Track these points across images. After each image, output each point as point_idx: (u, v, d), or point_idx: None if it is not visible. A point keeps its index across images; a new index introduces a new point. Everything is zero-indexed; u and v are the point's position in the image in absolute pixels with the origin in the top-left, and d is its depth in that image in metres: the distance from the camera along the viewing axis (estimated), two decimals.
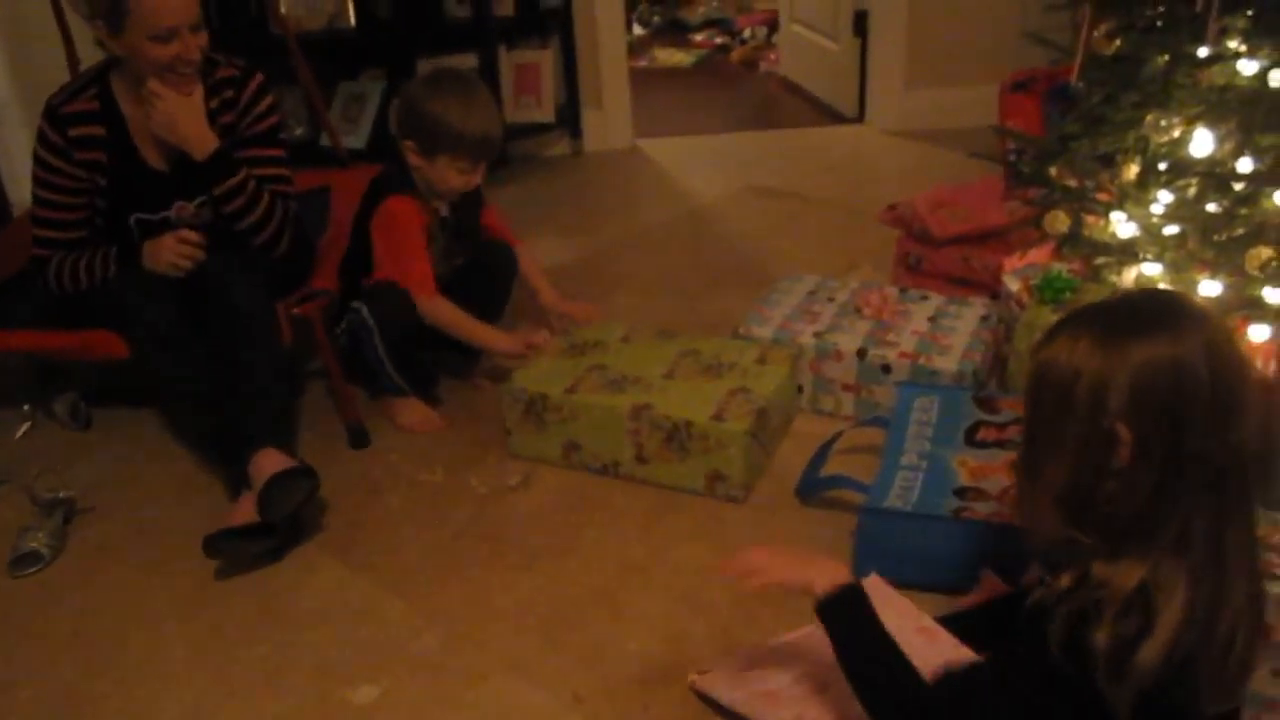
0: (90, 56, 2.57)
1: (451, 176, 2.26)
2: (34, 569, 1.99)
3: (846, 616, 1.35)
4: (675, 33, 6.34)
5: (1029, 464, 1.19)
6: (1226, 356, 1.07)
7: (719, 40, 6.09)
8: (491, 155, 2.29)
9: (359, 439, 2.33)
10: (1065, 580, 1.14)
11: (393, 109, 3.85)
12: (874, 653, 1.31)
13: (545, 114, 4.07)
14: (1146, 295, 1.17)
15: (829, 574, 1.37)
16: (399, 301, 2.27)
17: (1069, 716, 1.15)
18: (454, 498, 2.15)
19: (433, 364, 2.53)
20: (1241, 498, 1.09)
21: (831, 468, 2.07)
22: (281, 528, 1.98)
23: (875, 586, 1.61)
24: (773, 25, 5.63)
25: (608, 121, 4.28)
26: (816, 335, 2.31)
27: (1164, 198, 1.99)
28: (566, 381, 2.19)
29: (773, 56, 5.51)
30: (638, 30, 6.26)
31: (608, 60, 4.19)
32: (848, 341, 2.27)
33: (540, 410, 2.17)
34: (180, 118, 2.15)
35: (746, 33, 5.99)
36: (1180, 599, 1.06)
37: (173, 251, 2.16)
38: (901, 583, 1.76)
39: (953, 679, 1.32)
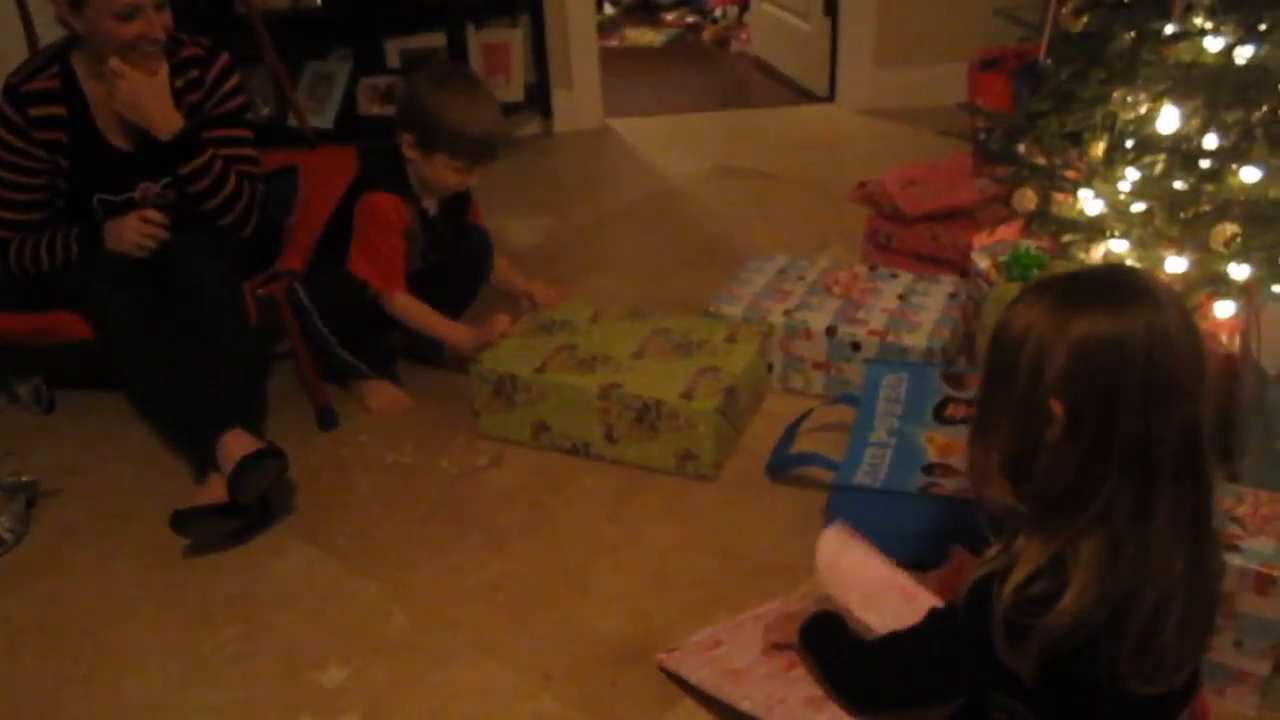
0: (49, 35, 2.52)
1: (447, 175, 2.23)
2: None
3: (818, 634, 1.44)
4: (646, 12, 6.31)
5: (978, 428, 1.20)
6: (1171, 339, 1.06)
7: (690, 19, 6.07)
8: (490, 158, 2.25)
9: (327, 420, 2.31)
10: (994, 548, 1.17)
11: (360, 88, 3.82)
12: (833, 644, 1.41)
13: (514, 94, 4.04)
14: (1108, 271, 1.17)
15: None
16: (338, 287, 2.26)
17: (978, 677, 1.19)
18: (424, 479, 2.14)
19: (399, 346, 2.51)
20: (1181, 475, 1.08)
21: (801, 445, 2.07)
22: (250, 509, 1.96)
23: (842, 539, 1.64)
24: (744, 4, 5.62)
25: (578, 101, 4.26)
26: (786, 313, 2.30)
27: (1131, 175, 2.00)
28: (535, 361, 2.18)
29: (744, 36, 5.49)
30: (608, 9, 6.23)
31: (577, 39, 4.16)
32: (817, 320, 2.27)
33: (509, 390, 2.17)
34: (144, 97, 2.12)
35: (718, 12, 5.97)
36: (1093, 572, 1.06)
37: (136, 231, 2.13)
38: None
39: (893, 636, 1.36)
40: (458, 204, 2.42)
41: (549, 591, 1.82)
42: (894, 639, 1.35)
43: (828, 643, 1.44)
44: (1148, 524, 1.07)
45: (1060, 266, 2.11)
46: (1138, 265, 1.99)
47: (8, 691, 1.68)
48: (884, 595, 1.54)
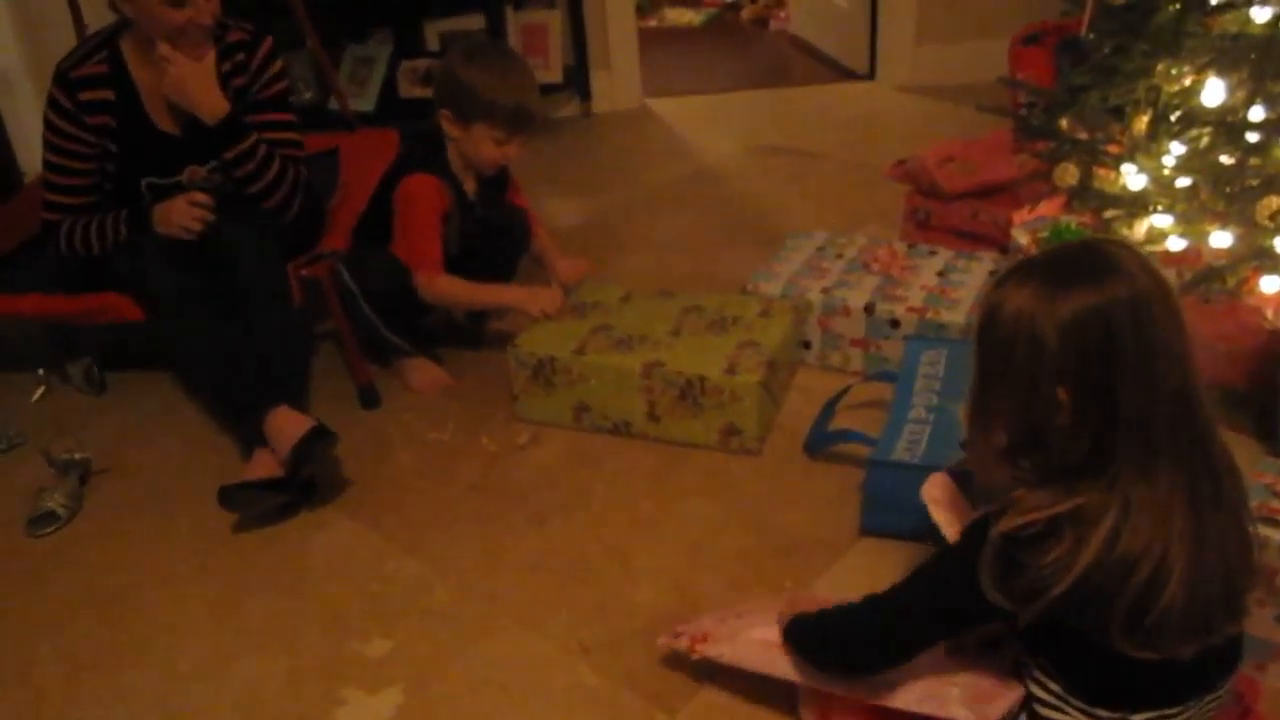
0: (97, 21, 2.57)
1: (487, 147, 2.25)
2: (51, 528, 2.02)
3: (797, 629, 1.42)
4: None
5: (977, 417, 1.22)
6: (1150, 305, 1.08)
7: None
8: (527, 127, 2.26)
9: (370, 399, 2.34)
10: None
11: (401, 71, 3.85)
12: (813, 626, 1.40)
13: (553, 75, 4.05)
14: (1082, 247, 1.17)
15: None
16: (377, 265, 2.29)
17: (967, 612, 1.22)
18: (464, 456, 2.17)
19: (438, 325, 2.54)
20: (1180, 443, 1.10)
21: (839, 422, 2.07)
22: (297, 485, 2.00)
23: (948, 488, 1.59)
24: None
25: (616, 82, 4.26)
26: (825, 291, 2.30)
27: (1175, 149, 1.98)
28: (572, 343, 2.19)
29: (783, 15, 5.46)
30: None
31: (616, 20, 4.16)
32: (856, 297, 2.27)
33: (549, 373, 2.18)
34: (191, 82, 2.16)
35: None
36: (1091, 533, 1.08)
37: (183, 214, 2.17)
38: (907, 535, 1.78)
39: (875, 595, 1.34)
40: (496, 185, 2.43)
41: (588, 566, 1.84)
42: (876, 595, 1.33)
43: (809, 625, 1.40)
44: (1149, 491, 1.09)
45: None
46: (1106, 239, 1.97)
47: (64, 659, 1.73)
48: None
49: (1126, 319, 1.07)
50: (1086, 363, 1.09)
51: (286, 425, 1.98)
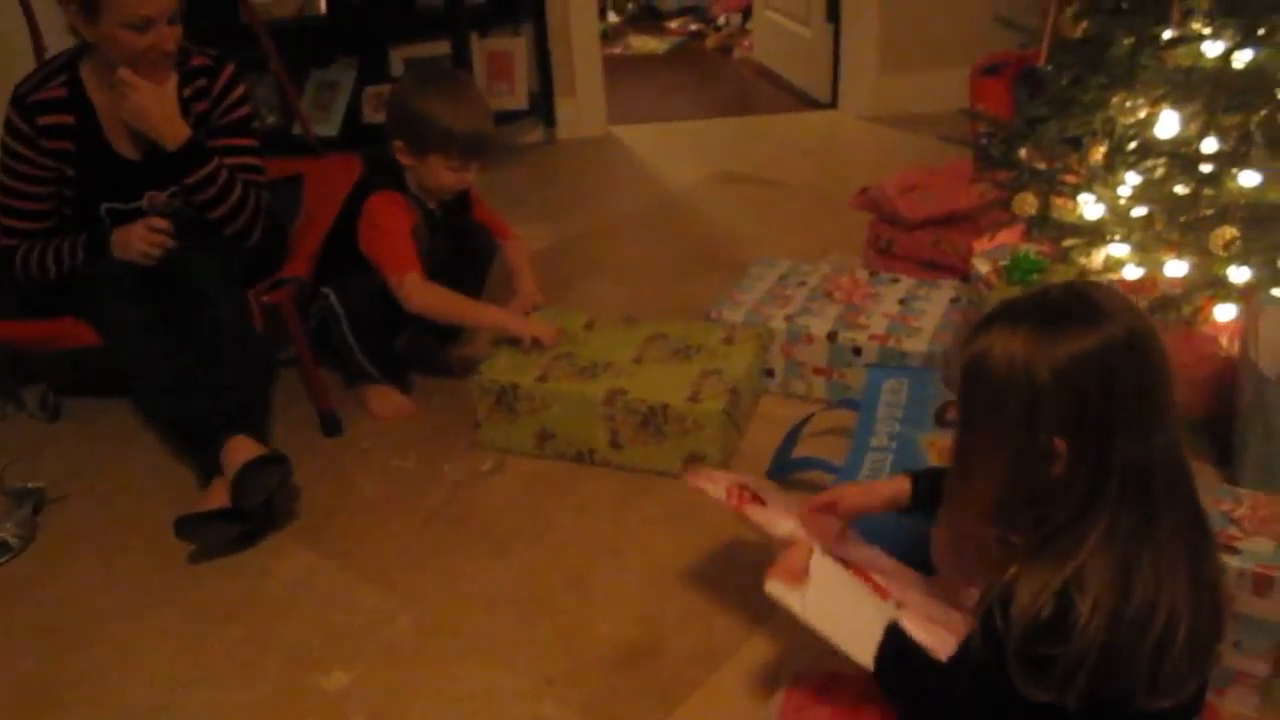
0: (56, 44, 2.55)
1: (444, 175, 2.25)
2: (3, 559, 1.98)
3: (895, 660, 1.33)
4: (649, 19, 6.33)
5: (961, 463, 1.19)
6: (1148, 350, 1.07)
7: (693, 27, 6.08)
8: (483, 153, 2.27)
9: (331, 426, 2.32)
10: (1003, 577, 1.12)
11: (365, 97, 3.84)
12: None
13: (518, 101, 4.06)
14: (1070, 291, 1.13)
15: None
16: (367, 290, 2.27)
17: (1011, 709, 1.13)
18: (426, 484, 2.15)
19: (405, 350, 2.53)
20: (1174, 492, 1.08)
21: (802, 450, 2.08)
22: (254, 514, 1.97)
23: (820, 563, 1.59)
24: (747, 11, 5.63)
25: (581, 108, 4.27)
26: (788, 319, 2.31)
27: (1131, 179, 2.01)
28: (535, 371, 2.18)
29: (747, 43, 5.51)
30: (612, 17, 6.25)
31: (581, 47, 4.18)
32: (819, 325, 2.28)
33: (511, 400, 2.17)
34: (152, 107, 2.14)
35: (721, 19, 5.98)
36: (1103, 596, 1.04)
37: (142, 240, 2.14)
38: None
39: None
40: (460, 202, 2.43)
41: (551, 596, 1.83)
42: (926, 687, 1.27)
43: (909, 674, 1.31)
44: (1151, 544, 1.06)
45: (1061, 271, 2.12)
46: (1094, 282, 1.99)
47: (14, 693, 1.69)
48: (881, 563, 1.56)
49: (1124, 361, 1.05)
50: (1085, 409, 1.06)
51: (243, 454, 1.95)
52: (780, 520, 1.50)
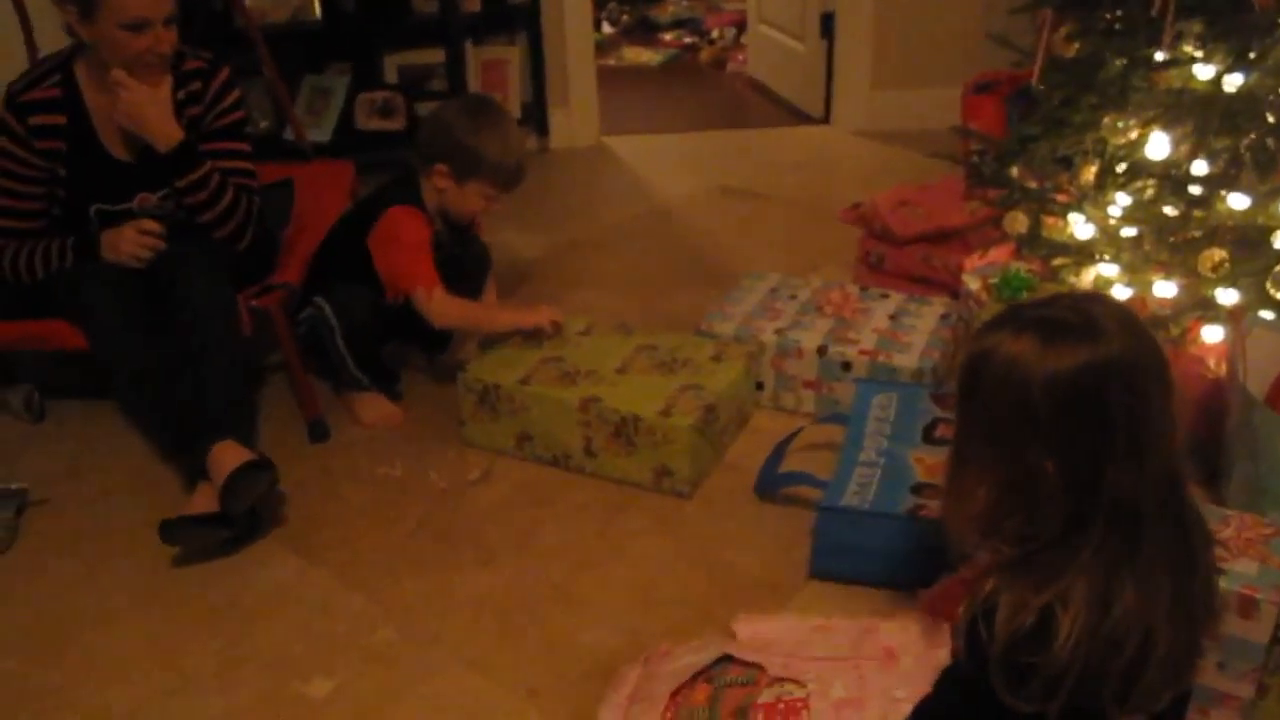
0: (48, 45, 2.54)
1: (476, 201, 2.32)
2: None
3: None
4: (644, 32, 6.34)
5: (955, 471, 1.18)
6: (1147, 379, 1.06)
7: (688, 40, 6.09)
8: (517, 185, 2.36)
9: (319, 433, 2.31)
10: (986, 586, 1.11)
11: (358, 103, 3.84)
12: None
13: (512, 111, 4.06)
14: (1078, 303, 1.11)
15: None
16: (360, 299, 2.28)
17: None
18: (413, 492, 2.15)
19: (393, 358, 2.52)
20: (1165, 519, 1.07)
21: (791, 464, 2.08)
22: (239, 520, 1.96)
23: (746, 623, 1.67)
24: (741, 26, 5.65)
25: (574, 119, 4.28)
26: (778, 332, 2.31)
27: (1121, 199, 2.01)
28: (520, 372, 2.19)
29: (741, 57, 5.52)
30: (606, 29, 6.25)
31: (575, 58, 4.19)
32: (809, 339, 2.28)
33: (493, 400, 2.18)
34: (146, 108, 2.13)
35: (715, 33, 6.00)
36: (1083, 613, 1.04)
37: (132, 242, 2.14)
38: (859, 579, 1.78)
39: (916, 710, 1.28)
40: (470, 225, 2.47)
41: (536, 606, 1.82)
42: (917, 711, 1.27)
43: None
44: (1133, 563, 1.06)
45: (1050, 289, 2.13)
46: (1123, 290, 2.01)
47: None
48: (806, 637, 1.59)
49: (1117, 384, 1.03)
50: (1075, 428, 1.05)
51: (229, 459, 1.94)
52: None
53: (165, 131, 2.15)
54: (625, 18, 6.44)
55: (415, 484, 2.17)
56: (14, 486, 2.09)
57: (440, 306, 2.27)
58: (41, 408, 2.44)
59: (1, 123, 2.16)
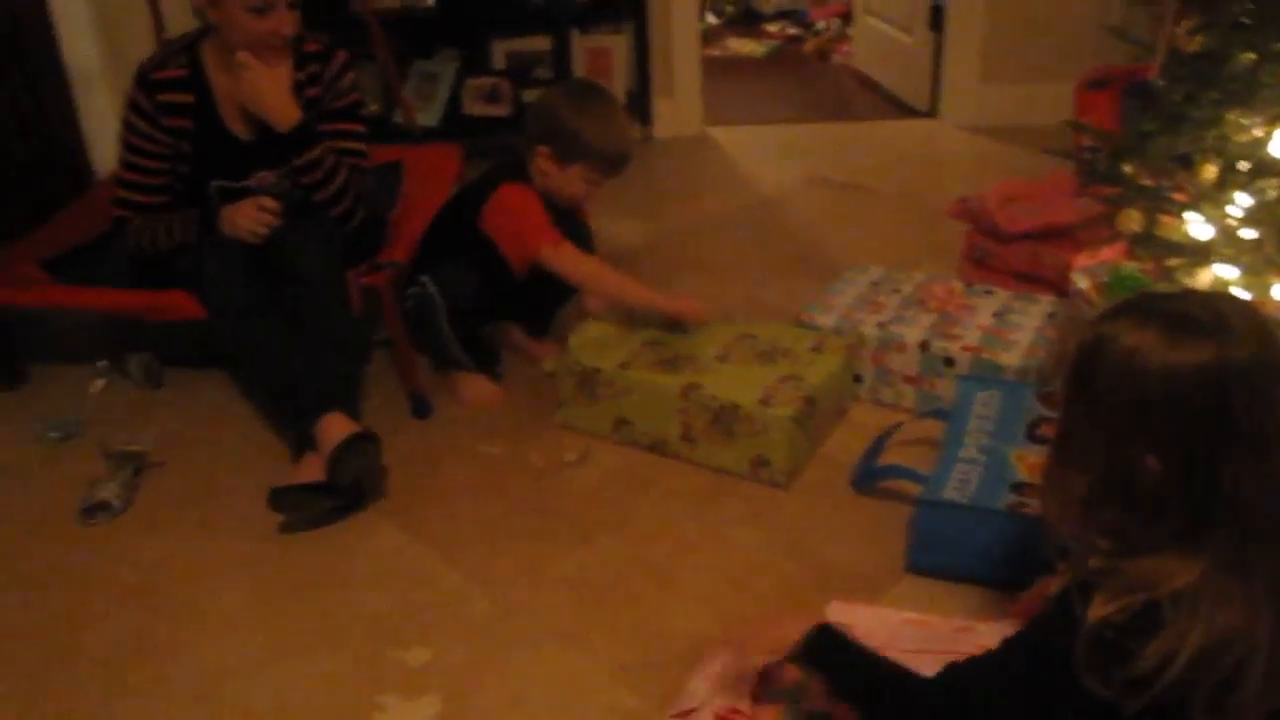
0: (176, 28, 2.64)
1: (579, 185, 2.34)
2: (105, 519, 2.05)
3: (827, 653, 1.34)
4: (749, 23, 6.32)
5: (1061, 458, 1.16)
6: (1275, 384, 1.02)
7: (792, 31, 6.06)
8: (621, 170, 2.37)
9: (422, 409, 2.37)
10: (1091, 563, 1.10)
11: (466, 88, 3.90)
12: (864, 672, 1.31)
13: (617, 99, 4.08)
14: (1209, 301, 1.07)
15: (801, 623, 1.36)
16: (466, 280, 2.32)
17: (1059, 699, 1.11)
18: (512, 471, 2.18)
19: (495, 339, 2.56)
20: (1278, 529, 1.03)
21: (889, 458, 2.06)
22: (346, 491, 2.02)
23: (840, 610, 1.66)
24: (847, 17, 5.60)
25: (678, 108, 4.29)
26: (880, 326, 2.30)
27: (1242, 200, 1.95)
28: (621, 357, 2.21)
29: (846, 49, 5.47)
30: (711, 19, 6.24)
31: (680, 47, 4.19)
32: (911, 333, 2.26)
33: (593, 384, 2.20)
34: (266, 89, 2.20)
35: (820, 24, 5.96)
36: (1185, 619, 1.02)
37: (250, 218, 2.21)
38: (955, 575, 1.77)
39: (954, 668, 1.27)
40: (574, 210, 2.49)
41: (629, 587, 1.84)
42: (954, 666, 1.25)
43: (869, 679, 1.31)
44: (1243, 579, 1.03)
45: (1162, 290, 2.07)
46: (1241, 293, 1.95)
47: (109, 647, 1.76)
48: (897, 629, 1.60)
49: (1241, 387, 1.00)
50: (1192, 429, 1.02)
51: (337, 431, 2.00)
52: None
53: (284, 112, 2.22)
54: (730, 8, 6.43)
55: (514, 463, 2.21)
56: (133, 449, 2.18)
57: (573, 258, 2.28)
58: (160, 375, 2.54)
59: (132, 100, 2.25)
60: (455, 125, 3.82)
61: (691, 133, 4.32)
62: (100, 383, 2.53)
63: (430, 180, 2.79)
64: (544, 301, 2.54)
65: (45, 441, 2.31)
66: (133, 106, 2.24)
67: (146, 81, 2.23)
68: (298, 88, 2.27)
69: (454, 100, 3.94)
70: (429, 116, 3.85)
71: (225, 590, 1.88)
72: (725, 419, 2.07)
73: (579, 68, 4.00)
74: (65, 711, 1.64)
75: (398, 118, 3.51)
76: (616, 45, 4.10)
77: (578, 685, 1.64)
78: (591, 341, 2.28)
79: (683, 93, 4.28)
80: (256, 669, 1.70)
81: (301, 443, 2.08)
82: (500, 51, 4.07)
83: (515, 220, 2.30)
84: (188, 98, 2.25)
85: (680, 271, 3.05)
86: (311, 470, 2.02)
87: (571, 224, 2.48)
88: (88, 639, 1.78)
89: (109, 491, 2.08)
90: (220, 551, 1.98)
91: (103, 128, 3.16)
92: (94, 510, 2.06)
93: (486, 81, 3.94)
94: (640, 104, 4.21)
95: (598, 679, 1.64)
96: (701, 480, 2.11)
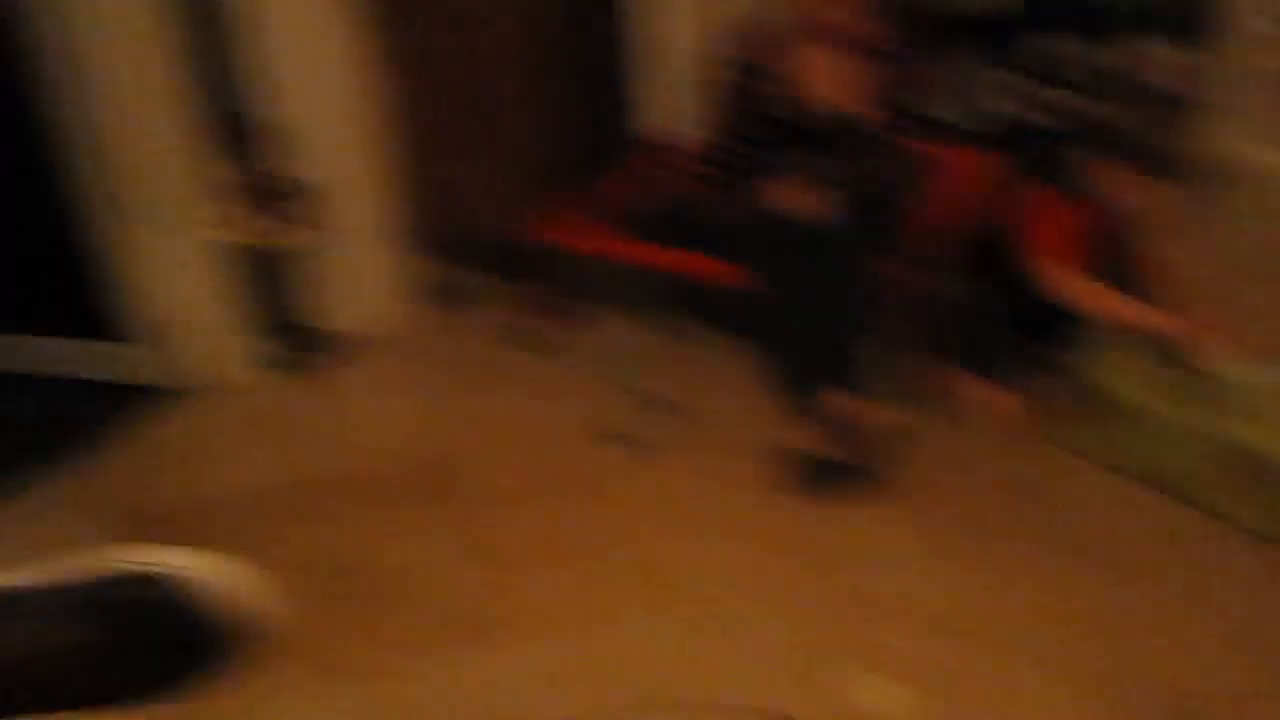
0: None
1: (1127, 191, 2.23)
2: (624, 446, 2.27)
3: None
4: None
5: None
6: None
7: None
8: (1171, 178, 2.29)
9: (941, 407, 2.35)
10: None
11: (1020, 96, 3.74)
12: None
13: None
14: None
15: None
16: (994, 289, 2.30)
17: None
18: (1027, 487, 2.13)
19: (1013, 350, 2.46)
20: None
21: None
22: (858, 470, 2.10)
23: None
24: None
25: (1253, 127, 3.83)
26: None
27: None
28: (1151, 389, 2.06)
29: None
30: None
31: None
32: None
33: (1114, 412, 2.08)
34: (845, 86, 2.33)
35: None
36: None
37: (804, 199, 2.32)
38: None
39: None
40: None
41: (1133, 631, 1.74)
42: None
43: None
44: None
45: None
46: None
47: (629, 568, 1.93)
48: None
49: None
50: None
51: (855, 411, 2.09)
52: None
53: (859, 107, 2.34)
54: None
55: (1034, 478, 2.15)
56: (661, 394, 2.40)
57: (1060, 279, 2.18)
58: (684, 331, 2.72)
59: (732, 81, 2.44)
60: (996, 130, 3.68)
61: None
62: (633, 331, 2.76)
63: (964, 183, 2.73)
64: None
65: (583, 374, 2.56)
66: (731, 86, 2.43)
67: (747, 66, 2.40)
68: (873, 86, 2.37)
69: (1001, 105, 3.79)
70: (969, 119, 3.74)
71: (704, 539, 2.00)
72: (1266, 477, 1.87)
73: (1153, 82, 3.69)
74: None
75: (938, 116, 3.45)
76: (1184, 60, 3.73)
77: (1046, 711, 1.58)
78: (1120, 368, 2.13)
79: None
80: (733, 628, 1.79)
81: (816, 415, 2.17)
82: (1072, 60, 3.85)
83: (1032, 228, 2.25)
84: (776, 83, 2.39)
85: (1233, 310, 2.69)
86: (823, 442, 2.13)
87: (1123, 244, 2.33)
88: (613, 558, 1.96)
89: (634, 424, 2.31)
90: (715, 505, 2.10)
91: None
92: (618, 438, 2.29)
93: (1054, 94, 3.75)
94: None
95: (1074, 713, 1.57)
96: (1245, 545, 1.93)
